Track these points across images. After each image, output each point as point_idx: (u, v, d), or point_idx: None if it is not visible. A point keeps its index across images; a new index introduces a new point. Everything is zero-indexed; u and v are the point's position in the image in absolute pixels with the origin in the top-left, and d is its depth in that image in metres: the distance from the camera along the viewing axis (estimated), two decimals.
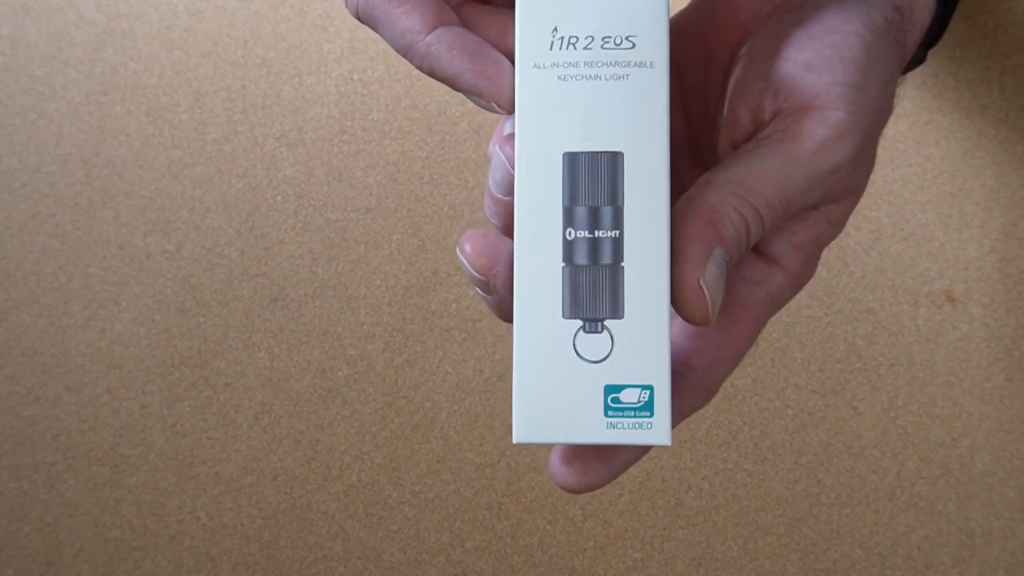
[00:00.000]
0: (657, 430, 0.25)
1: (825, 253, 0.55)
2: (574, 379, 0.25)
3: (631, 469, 0.53)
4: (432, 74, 0.27)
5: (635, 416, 0.25)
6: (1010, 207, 0.53)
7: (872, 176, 0.55)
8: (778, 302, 0.30)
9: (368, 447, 0.54)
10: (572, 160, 0.25)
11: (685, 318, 0.26)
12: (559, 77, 0.25)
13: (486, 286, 0.27)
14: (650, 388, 0.25)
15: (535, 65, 0.25)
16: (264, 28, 0.55)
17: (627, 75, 0.25)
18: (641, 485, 0.53)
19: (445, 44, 0.26)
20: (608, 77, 0.25)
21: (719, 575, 0.53)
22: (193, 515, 0.55)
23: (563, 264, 0.25)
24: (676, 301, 0.26)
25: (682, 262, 0.25)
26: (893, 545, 0.53)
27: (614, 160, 0.25)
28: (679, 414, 0.28)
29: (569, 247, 0.25)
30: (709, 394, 0.29)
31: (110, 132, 0.55)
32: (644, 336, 0.25)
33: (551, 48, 0.25)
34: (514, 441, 0.25)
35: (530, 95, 0.25)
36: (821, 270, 0.53)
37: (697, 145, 0.33)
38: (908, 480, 0.53)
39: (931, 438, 0.53)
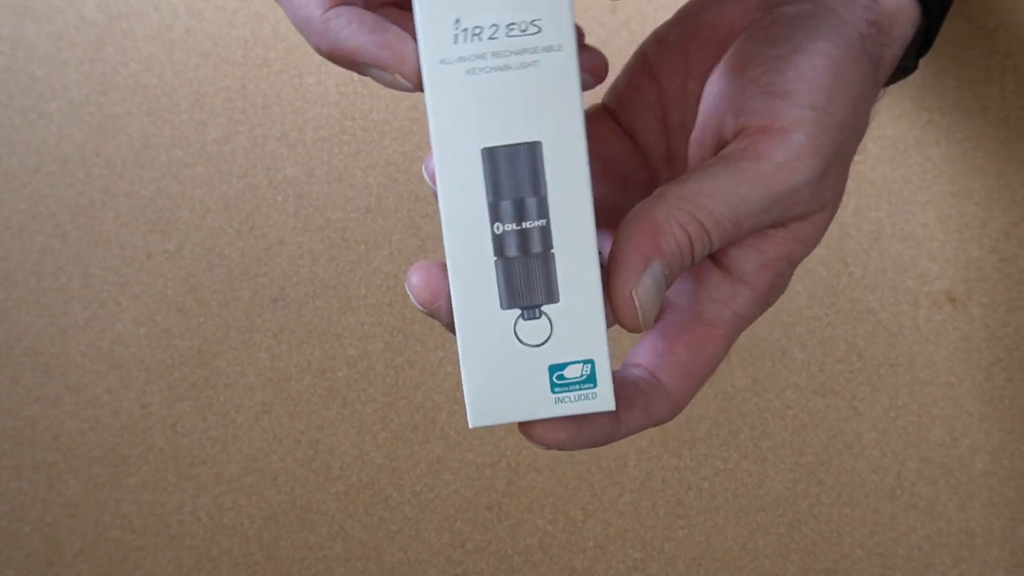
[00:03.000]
0: (601, 399, 0.26)
1: (825, 253, 0.56)
2: (519, 363, 0.26)
3: (631, 469, 0.53)
4: (331, 53, 0.26)
5: (580, 388, 0.26)
6: (1010, 207, 0.53)
7: (872, 176, 0.55)
8: (746, 319, 0.30)
9: (368, 447, 0.54)
10: (491, 155, 0.25)
11: (619, 324, 0.27)
12: (467, 71, 0.25)
13: (431, 316, 0.27)
14: (591, 362, 0.26)
15: (442, 61, 0.25)
16: (264, 28, 0.55)
17: (536, 61, 0.24)
18: (641, 485, 0.53)
19: (344, 19, 0.25)
20: (517, 66, 0.25)
21: (719, 575, 0.53)
22: (194, 515, 0.55)
23: (495, 258, 0.25)
24: (611, 307, 0.27)
25: (618, 272, 0.26)
26: (893, 545, 0.53)
27: (533, 150, 0.25)
28: (645, 421, 0.29)
29: (499, 241, 0.25)
30: (676, 408, 0.30)
31: (110, 132, 0.55)
32: (580, 315, 0.26)
33: (455, 41, 0.25)
34: (471, 426, 0.26)
35: (441, 92, 0.25)
36: (821, 270, 0.53)
37: (674, 157, 0.34)
38: (908, 480, 0.53)
39: (931, 438, 0.53)
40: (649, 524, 0.53)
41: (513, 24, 0.24)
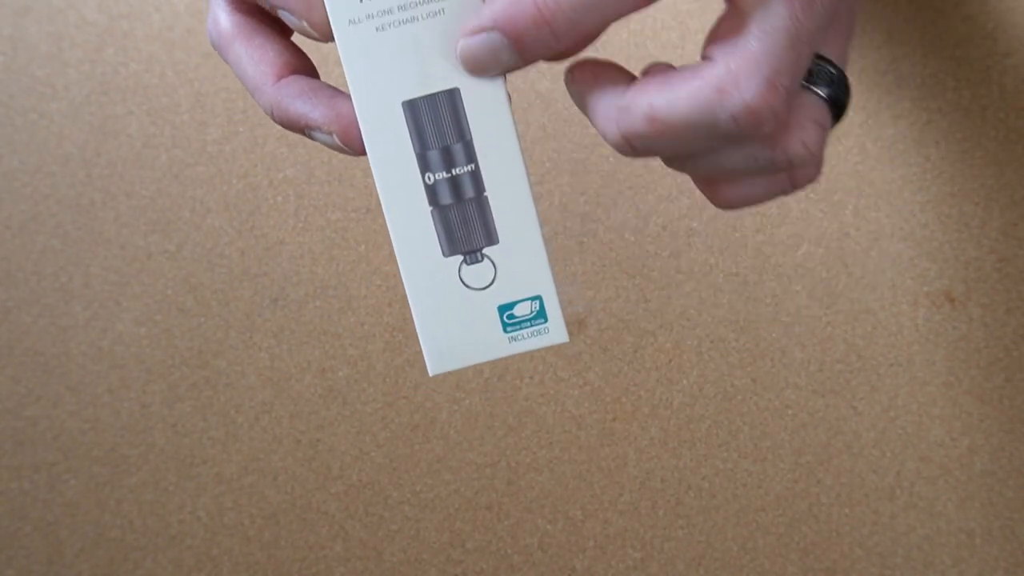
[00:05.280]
0: (554, 333, 0.27)
1: (824, 253, 0.56)
2: (468, 308, 0.26)
3: (630, 469, 0.53)
4: (284, 119, 0.27)
5: (531, 325, 0.26)
6: (1009, 207, 0.53)
7: (872, 176, 0.55)
8: None
9: (368, 447, 0.54)
10: (412, 107, 0.25)
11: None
12: (377, 28, 0.25)
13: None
14: (538, 298, 0.26)
15: (350, 21, 0.25)
16: None
17: (442, 9, 0.25)
18: (641, 485, 0.54)
19: (294, 91, 0.26)
20: (424, 16, 0.25)
21: (719, 575, 0.53)
22: (194, 515, 0.55)
23: (430, 208, 0.26)
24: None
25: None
26: (893, 545, 0.53)
27: (452, 97, 0.25)
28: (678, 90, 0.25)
29: (432, 191, 0.26)
30: (724, 78, 0.24)
31: (111, 132, 0.55)
32: (522, 253, 0.26)
33: (361, 1, 0.25)
34: (430, 374, 0.27)
35: (354, 53, 0.25)
36: (820, 270, 0.53)
37: None
38: (907, 480, 0.53)
39: (930, 438, 0.53)
40: (649, 524, 0.53)
41: None
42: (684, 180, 0.53)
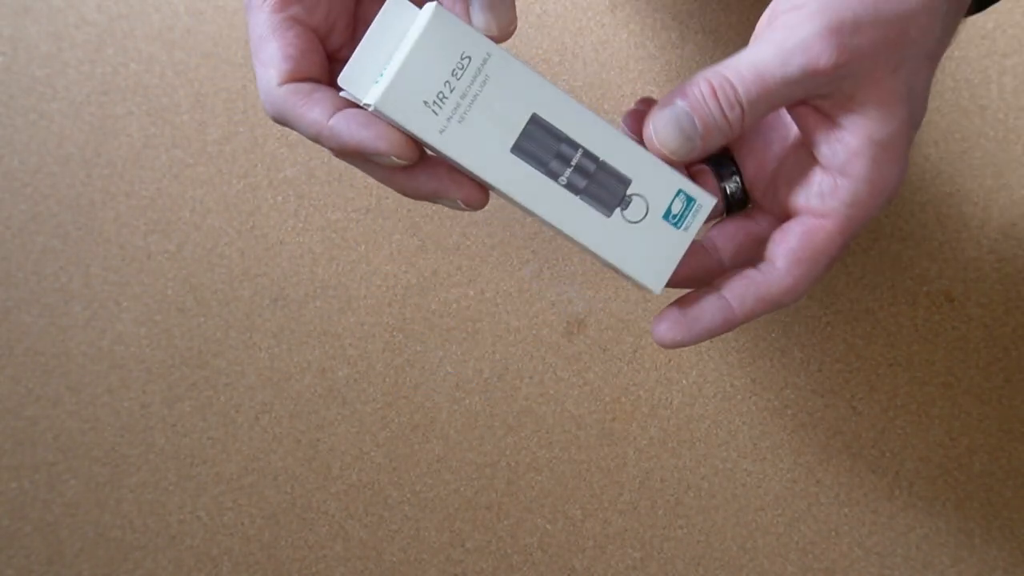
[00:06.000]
0: (706, 203, 0.34)
1: None
2: (646, 234, 0.34)
3: (630, 468, 0.53)
4: (343, 152, 0.32)
5: (690, 210, 0.34)
6: (1008, 207, 0.53)
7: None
8: (856, 206, 0.33)
9: (368, 447, 0.54)
10: (518, 148, 0.33)
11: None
12: (458, 121, 0.32)
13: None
14: (680, 191, 0.34)
15: (440, 132, 0.32)
16: None
17: (487, 76, 0.32)
18: (641, 485, 0.54)
19: (344, 123, 0.32)
20: (480, 87, 0.32)
21: (719, 575, 0.53)
22: (194, 515, 0.55)
23: (576, 196, 0.33)
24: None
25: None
26: (892, 544, 0.53)
27: (536, 121, 0.32)
28: (759, 302, 0.34)
29: (570, 185, 0.33)
30: (792, 289, 0.34)
31: (111, 132, 0.55)
32: (649, 173, 0.33)
33: (436, 114, 0.32)
34: (657, 293, 0.34)
35: (457, 148, 0.32)
36: None
37: None
38: (907, 480, 0.53)
39: (930, 438, 0.53)
40: (648, 523, 0.53)
41: (455, 70, 0.32)
42: None
